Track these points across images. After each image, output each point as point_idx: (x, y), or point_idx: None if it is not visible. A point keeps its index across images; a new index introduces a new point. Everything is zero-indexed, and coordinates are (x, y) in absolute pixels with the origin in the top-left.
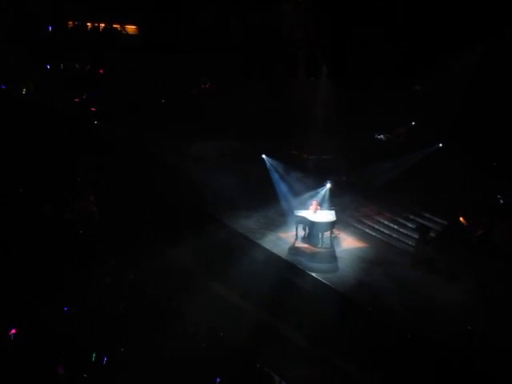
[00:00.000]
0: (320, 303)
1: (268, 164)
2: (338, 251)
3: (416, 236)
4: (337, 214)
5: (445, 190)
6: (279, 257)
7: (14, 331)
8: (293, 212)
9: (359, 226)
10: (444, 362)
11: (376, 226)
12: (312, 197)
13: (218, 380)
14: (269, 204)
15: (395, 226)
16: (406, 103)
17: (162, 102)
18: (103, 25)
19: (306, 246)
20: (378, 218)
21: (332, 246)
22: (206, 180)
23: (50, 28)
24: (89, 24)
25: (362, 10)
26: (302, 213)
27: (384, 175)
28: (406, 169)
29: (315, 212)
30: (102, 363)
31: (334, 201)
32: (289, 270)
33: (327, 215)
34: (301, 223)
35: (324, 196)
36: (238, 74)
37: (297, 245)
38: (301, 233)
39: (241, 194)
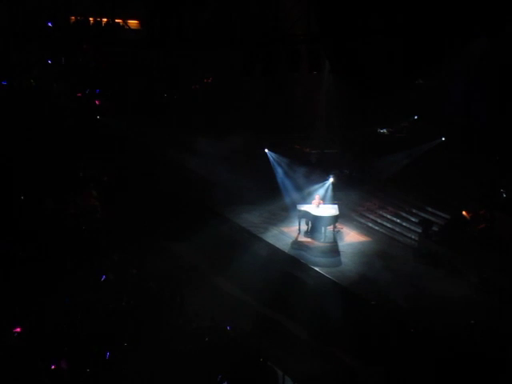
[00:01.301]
0: (323, 297)
1: (271, 158)
2: (341, 245)
3: (419, 230)
4: (339, 209)
5: (447, 184)
6: (282, 251)
7: (18, 329)
8: (295, 206)
9: (362, 220)
10: (446, 355)
11: (379, 220)
12: (315, 191)
13: (219, 377)
14: (271, 198)
15: (398, 220)
16: (408, 97)
17: (164, 97)
18: (105, 19)
19: (309, 240)
20: (381, 212)
21: (335, 241)
22: (208, 174)
23: (52, 23)
24: (91, 19)
25: (365, 4)
26: (304, 207)
27: (387, 169)
28: (408, 163)
29: (318, 206)
30: (104, 358)
31: (336, 195)
32: (291, 265)
33: (330, 209)
34: (303, 217)
35: (327, 190)
36: (241, 68)
37: (299, 239)
38: (303, 227)
39: (243, 189)
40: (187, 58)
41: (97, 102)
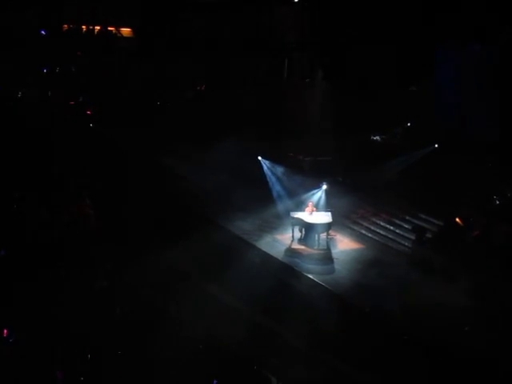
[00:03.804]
0: (317, 305)
1: (264, 166)
2: (335, 252)
3: (412, 237)
4: (333, 216)
5: (441, 190)
6: (275, 258)
7: (6, 332)
8: (289, 213)
9: (355, 228)
10: (441, 362)
11: (372, 228)
12: (308, 198)
13: (214, 382)
14: (265, 206)
15: (391, 227)
16: (401, 104)
17: (157, 105)
18: (98, 28)
19: (303, 247)
20: (374, 219)
21: (328, 248)
22: (201, 182)
23: (45, 31)
24: (84, 27)
25: (358, 11)
26: (297, 214)
27: (380, 176)
28: (401, 170)
29: (311, 213)
30: (99, 366)
31: (329, 202)
32: (285, 272)
33: (323, 217)
34: (297, 225)
35: (320, 197)
36: (234, 75)
37: (293, 246)
38: (297, 234)
39: (237, 196)
40: (180, 65)
41: (89, 112)
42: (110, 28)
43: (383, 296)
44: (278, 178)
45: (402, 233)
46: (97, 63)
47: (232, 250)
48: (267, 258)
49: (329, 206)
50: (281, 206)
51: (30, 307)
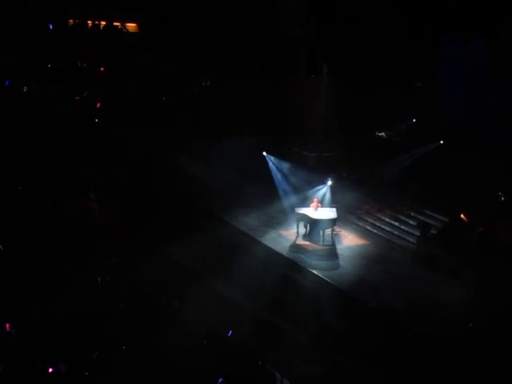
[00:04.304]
0: (321, 300)
1: (269, 161)
2: (339, 248)
3: (417, 233)
4: (338, 212)
5: (446, 187)
6: (280, 254)
7: (8, 326)
8: (293, 209)
9: (360, 224)
10: (445, 359)
11: (377, 224)
12: (313, 194)
13: (220, 380)
14: (269, 201)
15: (396, 223)
16: (407, 100)
17: (162, 100)
18: (104, 23)
19: (307, 243)
20: (379, 215)
21: (333, 244)
22: (206, 177)
23: (51, 26)
24: (89, 22)
25: (363, 7)
26: (302, 210)
27: (385, 172)
28: (407, 166)
29: (316, 209)
30: (102, 361)
31: (334, 198)
32: (290, 268)
33: (328, 212)
34: (302, 220)
35: (325, 193)
36: (239, 71)
37: (298, 242)
38: (302, 230)
39: (242, 192)
40: (185, 60)
41: (97, 105)
42: (115, 23)
43: (387, 292)
44: (283, 174)
45: (406, 229)
46: (102, 58)
47: (237, 245)
48: (272, 253)
49: (334, 202)
50: (286, 202)
51: (33, 301)
